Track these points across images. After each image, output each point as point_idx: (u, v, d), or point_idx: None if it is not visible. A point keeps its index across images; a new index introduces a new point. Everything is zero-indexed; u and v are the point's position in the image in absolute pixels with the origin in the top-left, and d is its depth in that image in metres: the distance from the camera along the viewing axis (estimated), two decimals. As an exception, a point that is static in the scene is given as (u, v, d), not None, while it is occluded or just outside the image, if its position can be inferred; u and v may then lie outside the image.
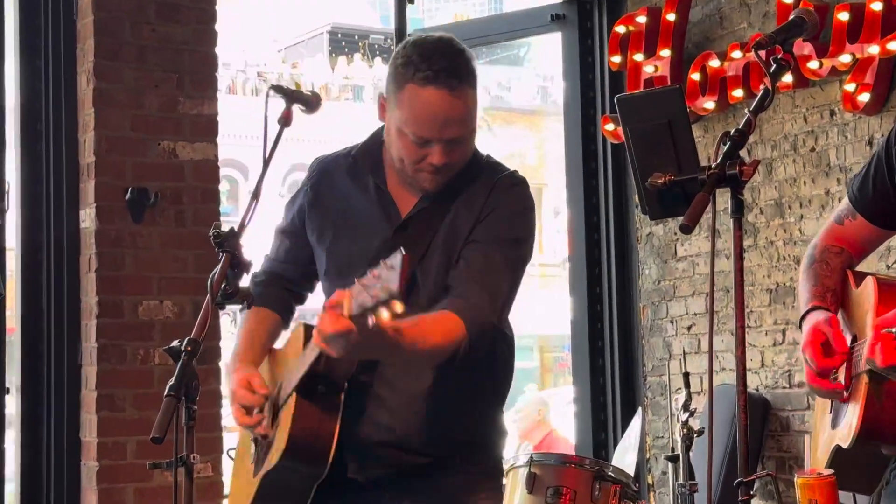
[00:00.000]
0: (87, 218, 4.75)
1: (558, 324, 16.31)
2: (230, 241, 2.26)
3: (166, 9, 4.85)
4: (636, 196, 5.70)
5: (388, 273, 1.92)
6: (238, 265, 2.26)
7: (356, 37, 25.38)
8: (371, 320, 1.97)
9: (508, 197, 2.41)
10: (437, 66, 2.31)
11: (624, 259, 5.86)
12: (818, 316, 2.38)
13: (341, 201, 2.50)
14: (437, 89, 2.31)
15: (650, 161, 2.33)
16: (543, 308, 17.04)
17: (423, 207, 2.43)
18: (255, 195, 2.32)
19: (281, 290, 2.61)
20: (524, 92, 19.22)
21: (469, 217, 2.40)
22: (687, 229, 2.08)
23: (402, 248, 1.92)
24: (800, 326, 2.42)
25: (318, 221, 2.53)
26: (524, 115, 18.88)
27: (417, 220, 2.42)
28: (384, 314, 1.94)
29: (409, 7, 5.68)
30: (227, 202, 19.76)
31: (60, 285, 4.75)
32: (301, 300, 2.65)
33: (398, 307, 1.93)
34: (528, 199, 2.44)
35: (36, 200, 4.77)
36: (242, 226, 2.30)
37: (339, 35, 25.63)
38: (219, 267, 2.23)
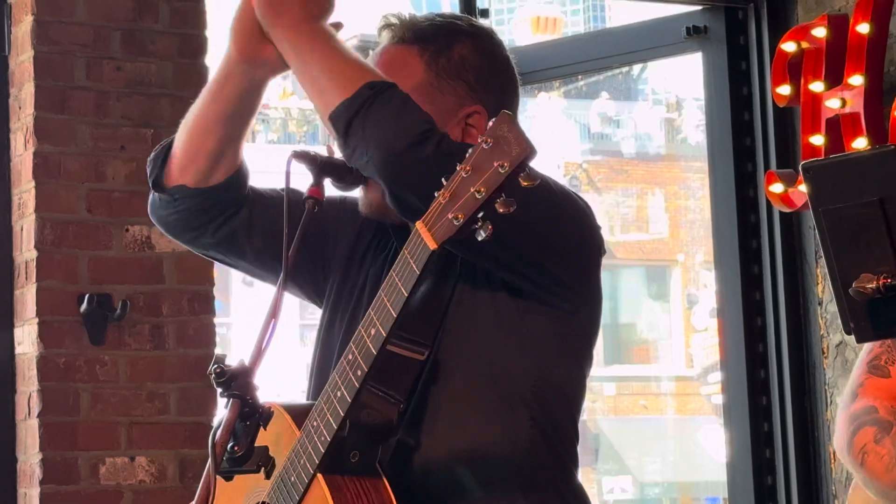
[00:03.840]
0: (25, 339, 4.79)
1: (701, 465, 16.07)
2: (239, 381, 2.26)
3: (137, 37, 4.91)
4: (819, 288, 5.65)
5: None
6: (251, 415, 2.27)
7: (396, 54, 25.62)
8: None
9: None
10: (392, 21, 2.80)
11: (804, 381, 5.79)
12: None
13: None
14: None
15: (854, 256, 2.31)
16: (678, 442, 16.83)
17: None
18: (274, 312, 2.34)
19: None
20: (641, 128, 19.18)
21: None
22: (915, 360, 2.05)
23: None
24: None
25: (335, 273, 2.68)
26: (643, 164, 18.80)
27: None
28: None
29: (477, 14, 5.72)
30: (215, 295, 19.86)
31: (-13, 437, 4.79)
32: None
33: None
34: None
35: (-49, 315, 4.84)
36: (258, 356, 2.31)
37: (371, 51, 25.87)
38: (224, 418, 2.24)
